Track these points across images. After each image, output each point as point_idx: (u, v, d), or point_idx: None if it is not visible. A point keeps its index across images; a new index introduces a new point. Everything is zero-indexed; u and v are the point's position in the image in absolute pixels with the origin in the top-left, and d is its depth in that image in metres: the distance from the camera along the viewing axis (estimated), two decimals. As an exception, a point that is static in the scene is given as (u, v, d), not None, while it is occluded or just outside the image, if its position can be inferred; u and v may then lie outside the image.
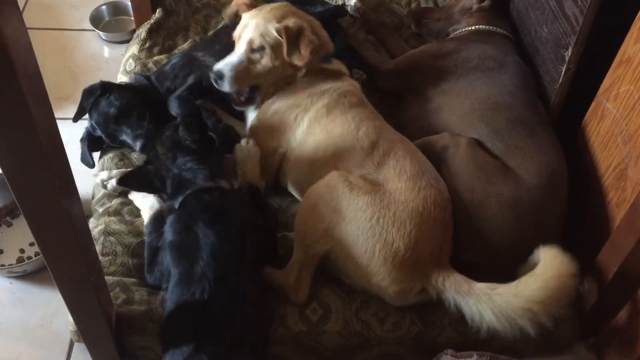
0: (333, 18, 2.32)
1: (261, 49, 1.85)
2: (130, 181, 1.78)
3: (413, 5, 2.73)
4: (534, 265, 1.58)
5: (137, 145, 1.92)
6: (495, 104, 1.97)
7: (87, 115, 2.05)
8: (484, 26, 2.31)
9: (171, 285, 1.56)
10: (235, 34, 1.91)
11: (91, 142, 2.05)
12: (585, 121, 1.93)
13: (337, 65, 2.00)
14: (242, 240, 1.59)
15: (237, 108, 1.99)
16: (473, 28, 2.33)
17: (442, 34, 2.47)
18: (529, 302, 1.50)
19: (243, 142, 1.87)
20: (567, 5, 1.94)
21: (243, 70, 1.85)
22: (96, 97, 1.99)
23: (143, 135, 1.92)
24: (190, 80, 2.01)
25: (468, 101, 2.02)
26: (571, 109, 2.04)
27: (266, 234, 1.76)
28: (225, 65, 1.85)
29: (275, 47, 1.85)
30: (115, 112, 1.95)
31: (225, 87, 1.86)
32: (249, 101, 1.96)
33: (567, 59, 1.94)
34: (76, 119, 2.04)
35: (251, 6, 2.00)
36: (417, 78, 2.21)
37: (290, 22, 1.86)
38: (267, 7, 1.92)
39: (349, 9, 2.66)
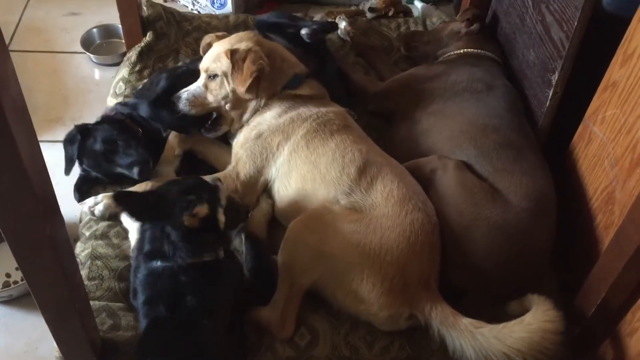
0: (324, 34, 2.36)
1: (215, 76, 1.92)
2: (124, 199, 1.58)
3: (402, 28, 2.76)
4: (524, 307, 1.60)
5: (135, 173, 1.90)
6: (484, 127, 1.98)
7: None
8: (472, 49, 2.34)
9: (142, 326, 1.56)
10: (201, 64, 1.99)
11: (86, 185, 2.01)
12: (572, 144, 1.94)
13: (313, 88, 1.99)
14: (211, 319, 1.52)
15: (206, 135, 2.03)
16: (462, 51, 2.35)
17: (431, 57, 2.49)
18: (510, 348, 1.51)
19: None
20: (553, 30, 1.97)
21: (200, 97, 1.95)
22: (79, 142, 1.94)
23: (137, 162, 1.90)
24: (163, 82, 2.05)
25: (456, 124, 2.03)
26: (559, 132, 2.05)
27: (255, 289, 1.72)
28: (184, 91, 1.95)
29: (227, 74, 1.90)
30: (102, 149, 1.93)
31: (181, 110, 1.93)
32: (212, 129, 2.01)
33: (553, 82, 1.95)
34: (67, 171, 1.98)
35: (222, 37, 2.05)
36: (406, 100, 2.22)
37: (242, 45, 1.90)
38: (232, 36, 2.00)
39: (339, 32, 2.68)
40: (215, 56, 1.93)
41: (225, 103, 1.95)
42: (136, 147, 1.93)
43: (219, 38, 2.05)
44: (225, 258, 1.61)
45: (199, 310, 1.50)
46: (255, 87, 1.90)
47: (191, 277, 1.52)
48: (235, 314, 1.61)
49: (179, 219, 1.50)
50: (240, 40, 1.95)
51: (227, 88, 1.92)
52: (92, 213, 1.91)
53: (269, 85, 1.93)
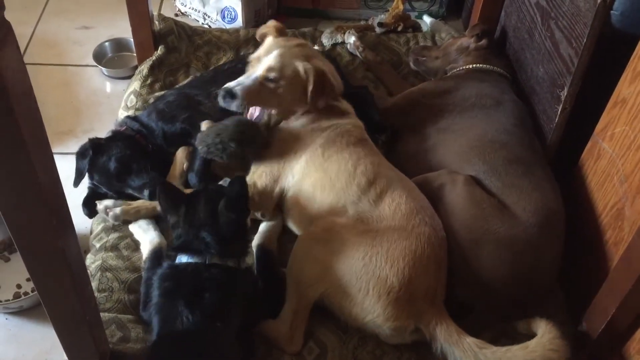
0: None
1: (278, 79, 1.85)
2: (165, 193, 1.66)
3: (412, 43, 2.77)
4: (532, 329, 1.62)
5: (146, 195, 1.92)
6: (492, 142, 1.98)
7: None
8: (481, 65, 2.34)
9: (153, 335, 1.56)
10: (255, 55, 1.93)
11: (94, 201, 2.00)
12: (581, 160, 1.94)
13: (344, 104, 2.01)
14: (224, 323, 1.54)
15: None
16: (470, 67, 2.35)
17: (440, 72, 2.50)
18: None
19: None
20: (562, 47, 1.97)
21: (253, 93, 1.85)
22: (90, 157, 1.96)
23: (148, 185, 1.92)
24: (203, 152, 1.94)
25: (465, 139, 2.04)
26: (568, 148, 2.05)
27: (265, 301, 1.72)
28: (238, 86, 1.83)
29: (293, 83, 1.86)
30: (115, 169, 1.95)
31: (233, 107, 1.85)
32: None
33: (562, 98, 1.96)
34: (76, 183, 1.99)
35: (280, 33, 2.00)
36: (415, 115, 2.23)
37: (320, 64, 1.88)
38: (294, 42, 1.94)
39: (348, 47, 2.70)
40: (286, 63, 1.86)
41: (278, 105, 1.91)
42: (148, 170, 1.95)
43: (278, 34, 1.98)
44: (244, 271, 1.66)
45: (215, 310, 1.52)
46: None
47: (213, 276, 1.56)
48: (245, 326, 1.62)
49: (216, 223, 1.59)
50: (310, 54, 1.91)
51: (288, 95, 1.88)
52: (106, 213, 1.92)
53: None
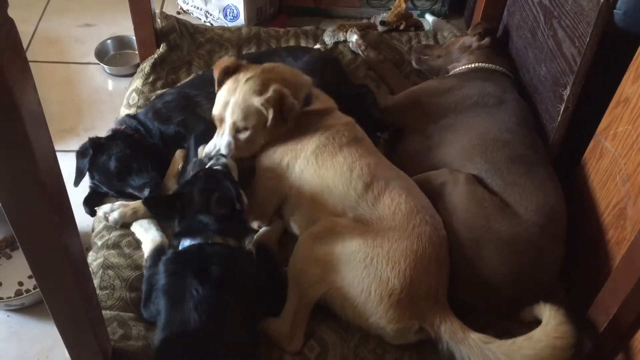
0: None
1: (247, 127, 1.84)
2: (154, 204, 1.75)
3: (414, 42, 2.77)
4: (536, 316, 1.61)
5: (146, 194, 1.93)
6: (495, 141, 1.98)
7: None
8: (483, 64, 2.34)
9: (159, 327, 1.57)
10: (215, 112, 1.88)
11: (95, 200, 2.03)
12: (584, 159, 1.94)
13: (323, 101, 1.97)
14: (231, 296, 1.57)
15: None
16: (473, 65, 2.35)
17: (442, 71, 2.50)
18: None
19: None
20: (565, 46, 1.97)
21: (234, 150, 1.85)
22: (90, 156, 1.97)
23: (148, 184, 1.93)
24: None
25: (467, 137, 2.04)
26: (570, 147, 2.05)
27: (267, 294, 1.72)
28: (223, 157, 1.82)
29: (261, 120, 1.83)
30: (115, 169, 1.96)
31: (234, 173, 1.81)
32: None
33: (565, 97, 1.96)
34: (77, 183, 2.00)
35: (232, 71, 1.90)
36: (417, 114, 2.22)
37: (270, 92, 1.81)
38: (243, 77, 1.86)
39: (350, 46, 2.70)
40: (245, 110, 1.82)
41: (259, 142, 1.90)
42: (148, 169, 1.96)
43: (229, 73, 1.90)
44: (247, 252, 1.72)
45: (223, 281, 1.55)
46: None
47: (217, 251, 1.61)
48: (250, 318, 1.63)
49: (213, 210, 1.64)
50: (262, 84, 1.84)
51: (262, 131, 1.86)
52: (106, 219, 1.93)
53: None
